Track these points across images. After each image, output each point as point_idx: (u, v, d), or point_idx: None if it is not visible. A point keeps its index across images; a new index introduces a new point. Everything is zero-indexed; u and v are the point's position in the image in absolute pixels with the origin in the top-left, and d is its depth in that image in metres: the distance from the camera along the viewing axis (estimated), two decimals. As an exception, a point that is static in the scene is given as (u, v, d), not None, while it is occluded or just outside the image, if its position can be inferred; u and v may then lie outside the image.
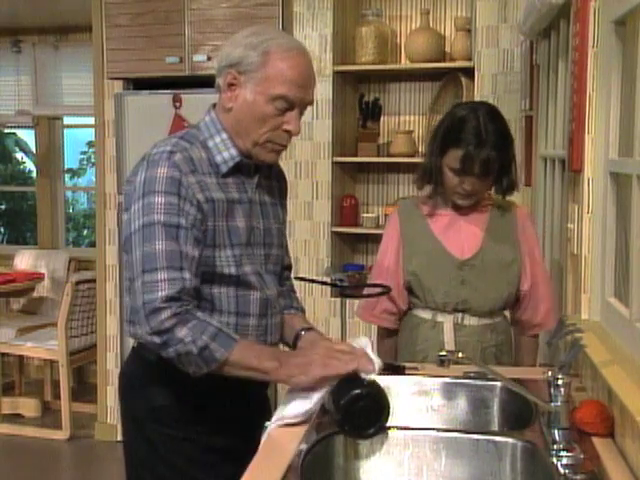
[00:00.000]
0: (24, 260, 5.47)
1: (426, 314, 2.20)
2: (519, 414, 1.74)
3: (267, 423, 1.57)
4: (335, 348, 1.60)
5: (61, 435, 4.48)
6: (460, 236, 2.18)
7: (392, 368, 1.95)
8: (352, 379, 1.54)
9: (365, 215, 3.95)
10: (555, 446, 1.45)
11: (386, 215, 3.79)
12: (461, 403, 1.88)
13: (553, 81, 2.74)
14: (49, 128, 5.73)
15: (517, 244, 2.19)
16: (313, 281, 3.24)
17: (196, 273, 1.60)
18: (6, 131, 6.72)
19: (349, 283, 3.37)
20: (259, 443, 1.53)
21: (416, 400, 1.90)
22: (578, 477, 1.36)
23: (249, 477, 1.38)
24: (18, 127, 6.42)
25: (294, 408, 1.57)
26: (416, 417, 1.87)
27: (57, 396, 4.68)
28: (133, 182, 1.64)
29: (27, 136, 6.66)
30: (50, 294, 5.39)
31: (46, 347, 4.52)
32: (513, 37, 3.45)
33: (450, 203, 2.19)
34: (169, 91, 3.93)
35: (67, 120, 5.80)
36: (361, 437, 1.56)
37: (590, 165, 1.97)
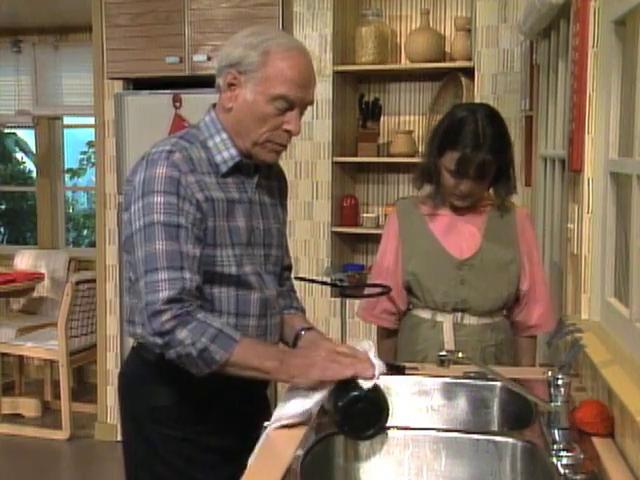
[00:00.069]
0: (24, 260, 5.47)
1: (426, 314, 2.20)
2: (519, 414, 1.74)
3: (266, 423, 1.57)
4: (337, 350, 1.58)
5: (61, 435, 4.48)
6: (459, 236, 2.19)
7: (392, 368, 1.95)
8: (352, 380, 1.53)
9: (365, 215, 3.95)
10: (555, 446, 1.45)
11: (386, 215, 3.79)
12: (461, 403, 1.88)
13: (553, 81, 2.74)
14: (49, 128, 5.73)
15: (516, 244, 2.19)
16: (313, 281, 3.24)
17: (198, 272, 1.60)
18: (6, 131, 6.72)
19: (349, 283, 3.37)
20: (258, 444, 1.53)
21: (416, 400, 1.89)
22: (578, 477, 1.36)
23: (249, 477, 1.38)
24: (18, 127, 6.42)
25: (292, 408, 1.56)
26: (416, 417, 1.87)
27: (57, 396, 4.68)
28: (132, 182, 1.64)
29: (27, 136, 6.66)
30: (50, 294, 5.39)
31: (46, 347, 4.52)
32: (513, 37, 3.45)
33: (449, 203, 2.19)
34: (169, 91, 3.93)
35: (67, 120, 5.80)
36: (360, 439, 1.56)
37: (590, 165, 1.97)
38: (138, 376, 1.76)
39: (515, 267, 2.18)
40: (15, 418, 4.73)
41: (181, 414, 1.71)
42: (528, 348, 2.28)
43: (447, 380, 1.90)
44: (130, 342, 1.81)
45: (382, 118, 4.00)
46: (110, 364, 4.41)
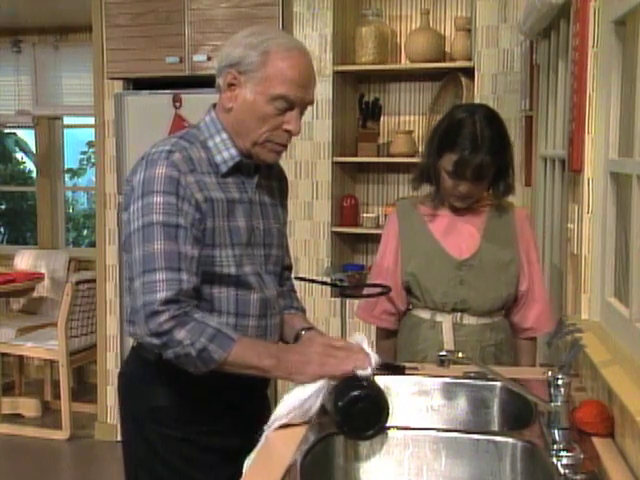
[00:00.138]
0: (24, 260, 5.47)
1: (425, 314, 2.20)
2: (519, 414, 1.74)
3: (265, 427, 1.57)
4: (332, 345, 1.61)
5: (61, 435, 4.48)
6: (458, 236, 2.19)
7: (392, 368, 1.95)
8: (352, 380, 1.53)
9: (365, 215, 3.95)
10: (555, 446, 1.45)
11: (386, 215, 3.79)
12: (461, 403, 1.88)
13: (553, 81, 2.74)
14: (49, 128, 5.73)
15: (515, 245, 2.19)
16: (313, 281, 3.24)
17: (196, 272, 1.60)
18: (6, 131, 6.72)
19: (349, 283, 3.38)
20: (258, 444, 1.53)
21: (416, 400, 1.89)
22: (578, 477, 1.36)
23: (249, 477, 1.38)
24: (18, 127, 6.42)
25: (290, 402, 1.57)
26: (416, 417, 1.87)
27: (57, 396, 4.68)
28: (132, 182, 1.64)
29: (27, 136, 6.66)
30: (50, 294, 5.39)
31: (46, 347, 4.52)
32: (513, 37, 3.45)
33: (448, 204, 2.19)
34: (169, 91, 3.93)
35: (67, 120, 5.80)
36: (360, 438, 1.56)
37: (590, 165, 1.97)
38: (138, 376, 1.76)
39: (514, 267, 2.18)
40: (15, 418, 4.73)
41: (181, 414, 1.71)
42: (528, 350, 2.28)
43: (447, 380, 1.90)
44: (130, 342, 1.81)
45: (382, 118, 4.00)
46: (110, 364, 4.41)
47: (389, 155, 3.94)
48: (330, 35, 3.76)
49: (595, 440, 1.52)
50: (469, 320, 2.16)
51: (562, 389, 1.50)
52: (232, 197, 1.69)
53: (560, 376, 1.50)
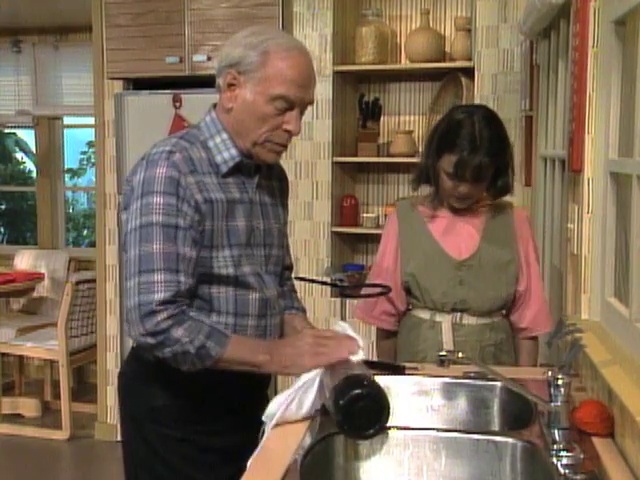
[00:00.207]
0: (24, 260, 5.47)
1: (425, 314, 2.20)
2: (519, 414, 1.74)
3: (264, 417, 1.57)
4: (321, 335, 1.64)
5: (61, 435, 4.48)
6: (457, 237, 2.19)
7: (392, 368, 1.95)
8: (352, 379, 1.54)
9: (365, 215, 3.95)
10: (555, 446, 1.45)
11: (386, 215, 3.79)
12: (461, 403, 1.88)
13: (553, 81, 2.74)
14: (49, 128, 5.73)
15: (514, 245, 2.19)
16: (313, 281, 3.24)
17: (192, 274, 1.61)
18: (6, 131, 6.72)
19: (349, 283, 3.38)
20: (258, 444, 1.53)
21: (416, 400, 1.89)
22: (578, 477, 1.36)
23: (249, 477, 1.38)
24: (18, 127, 6.42)
25: (277, 402, 1.57)
26: (416, 417, 1.87)
27: (57, 396, 4.68)
28: (132, 182, 1.64)
29: (27, 136, 6.66)
30: (50, 294, 5.39)
31: (46, 347, 4.52)
32: (513, 37, 3.45)
33: (447, 204, 2.19)
34: (169, 91, 3.93)
35: (67, 120, 5.80)
36: (361, 437, 1.56)
37: (590, 165, 1.97)
38: (138, 376, 1.76)
39: (514, 267, 2.18)
40: (15, 418, 4.73)
41: (180, 414, 1.71)
42: (529, 350, 2.27)
43: (447, 380, 1.90)
44: (130, 342, 1.80)
45: (382, 118, 4.00)
46: (110, 364, 4.41)
47: (389, 155, 3.94)
48: (330, 35, 3.76)
49: (595, 440, 1.52)
50: (469, 320, 2.16)
51: (562, 389, 1.50)
52: (232, 197, 1.69)
53: (560, 376, 1.49)
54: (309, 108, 1.73)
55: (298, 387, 1.58)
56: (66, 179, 6.13)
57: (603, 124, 1.92)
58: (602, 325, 1.90)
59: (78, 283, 4.52)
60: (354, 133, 4.03)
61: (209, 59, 3.77)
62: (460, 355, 1.64)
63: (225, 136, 1.70)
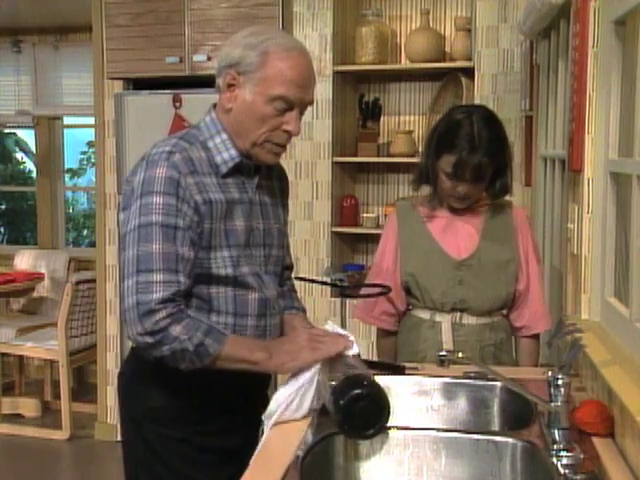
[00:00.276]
0: (24, 260, 5.47)
1: (424, 314, 2.20)
2: (519, 414, 1.74)
3: (263, 416, 1.57)
4: (315, 333, 1.68)
5: (61, 435, 4.48)
6: (457, 236, 2.19)
7: (392, 368, 1.95)
8: (352, 379, 1.54)
9: (365, 215, 3.95)
10: (555, 446, 1.45)
11: (386, 215, 3.79)
12: (461, 403, 1.88)
13: (553, 81, 2.74)
14: (49, 128, 5.73)
15: (514, 244, 2.19)
16: (313, 281, 3.24)
17: (189, 275, 1.61)
18: (6, 131, 6.72)
19: (349, 283, 3.37)
20: (258, 444, 1.53)
21: (416, 400, 1.89)
22: (578, 477, 1.36)
23: (249, 477, 1.38)
24: (18, 127, 6.42)
25: (276, 402, 1.58)
26: (416, 417, 1.87)
27: (57, 396, 4.68)
28: (132, 182, 1.64)
29: (27, 136, 6.65)
30: (50, 294, 5.39)
31: (46, 347, 4.52)
32: (513, 37, 3.45)
33: (446, 204, 2.20)
34: (169, 91, 3.93)
35: (67, 120, 5.80)
36: (361, 437, 1.56)
37: (590, 165, 1.97)
38: (137, 376, 1.76)
39: (513, 266, 2.18)
40: (15, 418, 4.73)
41: (180, 414, 1.71)
42: (529, 350, 2.26)
43: (447, 380, 1.90)
44: (130, 342, 1.80)
45: (382, 118, 4.00)
46: (110, 364, 4.41)
47: (389, 155, 3.94)
48: (330, 35, 3.76)
49: (595, 440, 1.52)
50: (468, 320, 2.16)
51: (562, 389, 1.50)
52: (232, 198, 1.69)
53: (560, 376, 1.50)
54: (309, 108, 1.73)
55: (298, 387, 1.58)
56: (66, 179, 6.13)
57: (603, 124, 1.92)
58: (602, 325, 1.90)
59: (78, 283, 4.51)
60: (354, 133, 4.03)
61: (209, 59, 3.77)
62: (460, 355, 1.64)
63: (225, 136, 1.70)
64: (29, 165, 6.99)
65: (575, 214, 2.07)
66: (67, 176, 6.21)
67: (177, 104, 3.90)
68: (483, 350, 2.16)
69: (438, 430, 1.65)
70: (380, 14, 3.92)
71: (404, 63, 3.95)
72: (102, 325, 4.43)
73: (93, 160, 6.11)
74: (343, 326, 2.97)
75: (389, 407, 1.53)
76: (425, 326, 2.19)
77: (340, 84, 3.86)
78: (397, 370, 1.95)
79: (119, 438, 1.86)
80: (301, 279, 2.79)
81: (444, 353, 1.64)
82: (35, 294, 5.39)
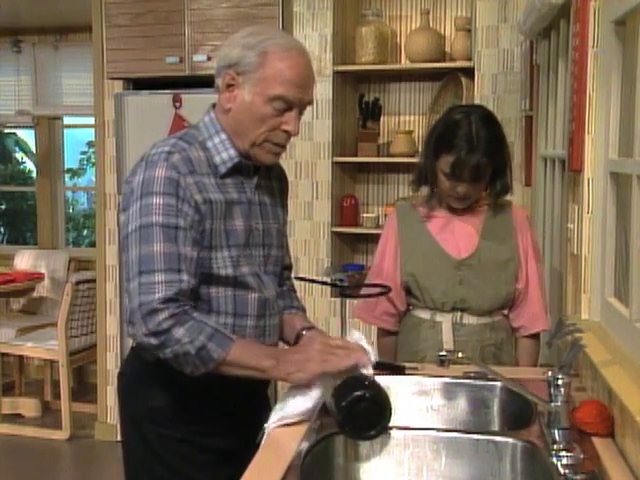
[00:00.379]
0: (24, 260, 5.47)
1: (425, 314, 2.20)
2: (519, 414, 1.74)
3: (265, 425, 1.57)
4: (331, 344, 1.61)
5: (61, 435, 4.48)
6: (457, 236, 2.19)
7: (392, 368, 1.95)
8: (354, 380, 1.53)
9: (365, 215, 3.95)
10: (555, 446, 1.45)
11: (386, 215, 3.79)
12: (461, 403, 1.88)
13: (553, 81, 2.74)
14: (49, 128, 5.73)
15: (513, 243, 2.20)
16: (313, 281, 3.24)
17: (194, 274, 1.60)
18: (6, 131, 6.72)
19: (349, 283, 3.37)
20: (258, 444, 1.52)
21: (416, 400, 1.89)
22: (578, 477, 1.36)
23: (249, 477, 1.38)
24: (18, 127, 6.42)
25: (293, 407, 1.57)
26: (416, 417, 1.87)
27: (57, 396, 4.68)
28: (131, 183, 1.64)
29: (27, 136, 6.66)
30: (50, 294, 5.39)
31: (46, 347, 4.52)
32: (513, 37, 3.45)
33: (445, 204, 2.20)
34: (169, 91, 3.93)
35: (67, 120, 5.80)
36: (362, 438, 1.56)
37: (590, 165, 1.97)
38: (137, 376, 1.76)
39: (513, 265, 2.18)
40: (15, 418, 4.73)
41: (179, 414, 1.70)
42: (529, 350, 2.26)
43: (447, 380, 1.90)
44: (130, 342, 1.81)
45: (382, 118, 4.00)
46: (110, 364, 4.41)
47: (389, 155, 3.94)
48: (330, 35, 3.76)
49: (595, 440, 1.52)
50: (469, 320, 2.16)
51: (562, 389, 1.50)
52: (231, 198, 1.68)
53: (560, 376, 1.49)
54: (309, 108, 1.73)
55: (310, 407, 1.56)
56: (66, 179, 6.13)
57: (603, 124, 1.92)
58: (602, 325, 1.90)
59: (78, 283, 4.51)
60: (354, 133, 4.03)
61: (209, 59, 3.77)
62: (460, 355, 1.64)
63: (224, 137, 1.70)
64: (29, 165, 6.99)
65: (575, 214, 2.07)
66: (67, 176, 6.21)
67: (177, 104, 3.90)
68: (484, 350, 2.16)
69: (438, 430, 1.65)
70: (380, 14, 3.92)
71: (404, 63, 3.95)
72: (102, 325, 4.42)
73: (93, 160, 6.11)
74: (343, 326, 2.97)
75: (390, 408, 1.53)
76: (425, 326, 2.19)
77: (340, 84, 3.86)
78: (397, 370, 1.94)
79: (119, 438, 1.86)
80: (301, 279, 2.79)
81: (444, 353, 1.63)
82: (35, 294, 5.38)
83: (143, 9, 3.93)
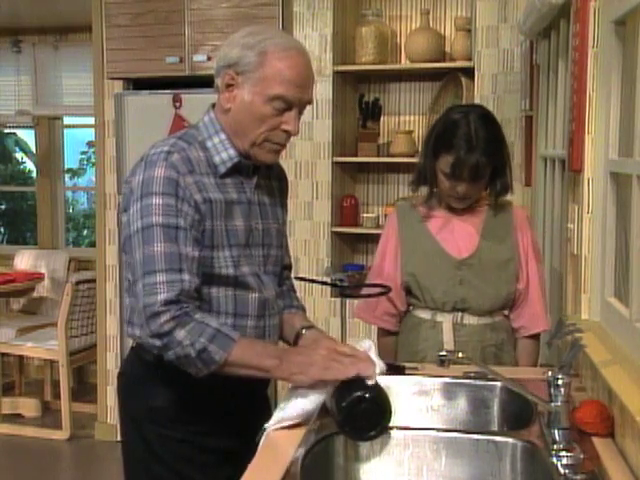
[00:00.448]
0: (24, 260, 5.47)
1: (425, 314, 2.20)
2: (519, 414, 1.73)
3: (266, 425, 1.57)
4: (337, 350, 1.58)
5: (61, 435, 4.48)
6: (457, 236, 2.19)
7: (392, 368, 1.95)
8: (355, 381, 1.53)
9: (365, 215, 3.95)
10: (555, 446, 1.45)
11: (386, 215, 3.79)
12: (461, 403, 1.88)
13: (553, 81, 2.74)
14: (49, 128, 5.73)
15: (514, 243, 2.20)
16: (313, 281, 3.24)
17: (197, 273, 1.60)
18: (6, 131, 6.72)
19: (349, 283, 3.37)
20: (258, 444, 1.52)
21: (416, 400, 1.89)
22: (578, 477, 1.36)
23: (249, 477, 1.38)
24: (18, 127, 6.42)
25: (293, 409, 1.56)
26: (416, 417, 1.87)
27: (57, 396, 4.68)
28: (131, 183, 1.64)
29: (27, 136, 6.66)
30: (50, 294, 5.39)
31: (46, 347, 4.52)
32: (513, 37, 3.45)
33: (445, 204, 2.20)
34: (169, 91, 3.93)
35: (67, 120, 5.80)
36: (362, 439, 1.55)
37: (590, 165, 1.97)
38: (137, 376, 1.76)
39: (513, 265, 2.18)
40: (15, 418, 4.73)
41: (179, 415, 1.70)
42: (529, 350, 2.26)
43: (447, 380, 1.90)
44: (130, 342, 1.81)
45: (382, 118, 4.00)
46: (110, 364, 4.41)
47: (389, 155, 3.94)
48: (330, 35, 3.76)
49: (595, 440, 1.52)
50: (469, 320, 2.16)
51: (562, 389, 1.50)
52: (230, 198, 1.68)
53: (560, 376, 1.49)
54: (309, 108, 1.73)
55: (309, 410, 1.56)
56: (66, 179, 6.12)
57: (603, 124, 1.92)
58: (602, 325, 1.90)
59: (78, 283, 4.51)
60: (354, 133, 4.03)
61: (209, 59, 3.77)
62: (460, 355, 1.64)
63: (223, 136, 1.70)
64: (29, 165, 6.99)
65: (575, 214, 2.07)
66: (67, 176, 6.21)
67: (177, 104, 3.90)
68: (484, 350, 2.16)
69: (438, 430, 1.65)
70: (380, 14, 3.92)
71: (404, 63, 3.94)
72: (102, 325, 4.42)
73: (93, 160, 6.11)
74: (343, 326, 2.97)
75: (391, 409, 1.52)
76: (426, 326, 2.19)
77: (340, 84, 3.86)
78: (397, 370, 1.94)
79: (119, 438, 1.86)
80: (301, 279, 2.79)
81: (444, 353, 1.63)
82: (35, 294, 5.38)
83: (143, 9, 3.93)
